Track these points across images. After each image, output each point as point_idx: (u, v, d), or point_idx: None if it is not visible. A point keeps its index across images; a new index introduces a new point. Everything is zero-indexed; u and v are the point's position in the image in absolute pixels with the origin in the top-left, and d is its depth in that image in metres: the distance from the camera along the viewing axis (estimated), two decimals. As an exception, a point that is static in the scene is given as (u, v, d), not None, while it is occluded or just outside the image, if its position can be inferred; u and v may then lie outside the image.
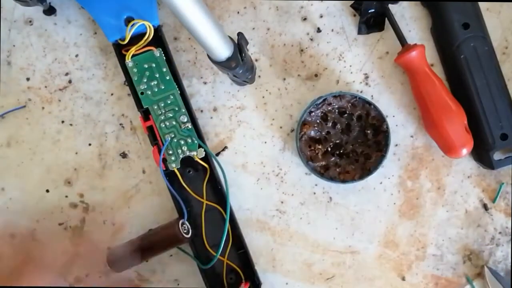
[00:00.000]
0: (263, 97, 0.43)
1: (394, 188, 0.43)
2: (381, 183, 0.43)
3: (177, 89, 0.40)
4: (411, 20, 0.44)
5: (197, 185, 0.41)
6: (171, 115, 0.40)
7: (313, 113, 0.42)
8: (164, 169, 0.40)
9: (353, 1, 0.43)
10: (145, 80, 0.40)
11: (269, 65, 0.43)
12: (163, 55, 0.40)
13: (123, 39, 0.40)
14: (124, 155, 0.43)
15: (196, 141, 0.40)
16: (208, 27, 0.30)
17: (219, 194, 0.42)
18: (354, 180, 0.41)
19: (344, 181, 0.41)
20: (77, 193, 0.43)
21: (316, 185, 0.43)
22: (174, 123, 0.40)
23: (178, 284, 0.43)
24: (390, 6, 0.42)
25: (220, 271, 0.41)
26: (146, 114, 0.41)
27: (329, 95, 0.41)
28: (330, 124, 0.42)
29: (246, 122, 0.43)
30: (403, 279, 0.43)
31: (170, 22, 0.43)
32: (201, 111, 0.43)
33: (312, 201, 0.43)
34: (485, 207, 0.44)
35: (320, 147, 0.42)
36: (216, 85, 0.43)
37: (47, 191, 0.43)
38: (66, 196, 0.43)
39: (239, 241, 0.41)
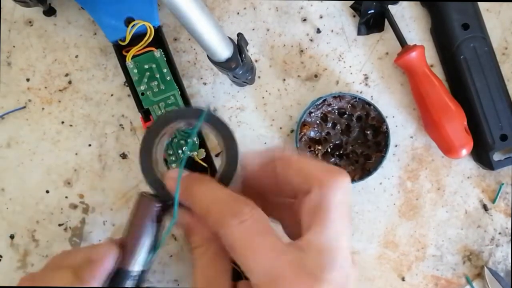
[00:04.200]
0: (263, 97, 0.44)
1: (394, 188, 0.44)
2: (381, 183, 0.44)
3: (178, 89, 0.40)
4: (411, 21, 0.44)
5: (197, 186, 0.41)
6: (171, 115, 0.40)
7: (313, 114, 0.42)
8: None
9: (353, 2, 0.43)
10: (145, 81, 0.40)
11: (269, 66, 0.43)
12: (164, 55, 0.40)
13: (124, 40, 0.40)
14: (124, 156, 0.43)
15: (196, 142, 0.40)
16: (208, 28, 0.30)
17: (219, 195, 0.41)
18: (354, 180, 0.41)
19: (344, 181, 0.41)
20: (77, 194, 0.43)
21: (316, 185, 0.43)
22: (174, 123, 0.40)
23: (178, 285, 0.43)
24: (390, 6, 0.42)
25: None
26: (146, 115, 0.41)
27: (329, 96, 0.41)
28: (330, 125, 0.42)
29: (246, 123, 0.43)
30: (403, 279, 0.43)
31: (170, 22, 0.43)
32: (201, 111, 0.43)
33: (312, 202, 0.43)
34: (485, 207, 0.44)
35: (320, 148, 0.42)
36: (216, 86, 0.43)
37: (47, 191, 0.43)
38: (66, 197, 0.43)
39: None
